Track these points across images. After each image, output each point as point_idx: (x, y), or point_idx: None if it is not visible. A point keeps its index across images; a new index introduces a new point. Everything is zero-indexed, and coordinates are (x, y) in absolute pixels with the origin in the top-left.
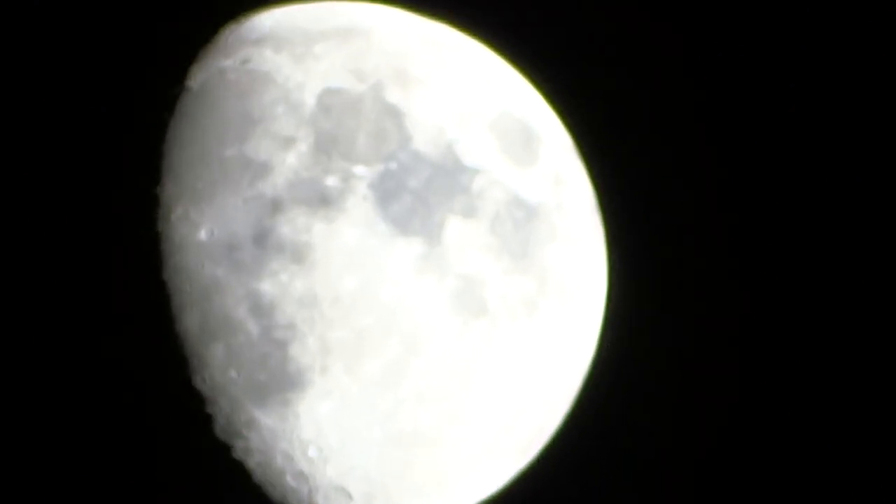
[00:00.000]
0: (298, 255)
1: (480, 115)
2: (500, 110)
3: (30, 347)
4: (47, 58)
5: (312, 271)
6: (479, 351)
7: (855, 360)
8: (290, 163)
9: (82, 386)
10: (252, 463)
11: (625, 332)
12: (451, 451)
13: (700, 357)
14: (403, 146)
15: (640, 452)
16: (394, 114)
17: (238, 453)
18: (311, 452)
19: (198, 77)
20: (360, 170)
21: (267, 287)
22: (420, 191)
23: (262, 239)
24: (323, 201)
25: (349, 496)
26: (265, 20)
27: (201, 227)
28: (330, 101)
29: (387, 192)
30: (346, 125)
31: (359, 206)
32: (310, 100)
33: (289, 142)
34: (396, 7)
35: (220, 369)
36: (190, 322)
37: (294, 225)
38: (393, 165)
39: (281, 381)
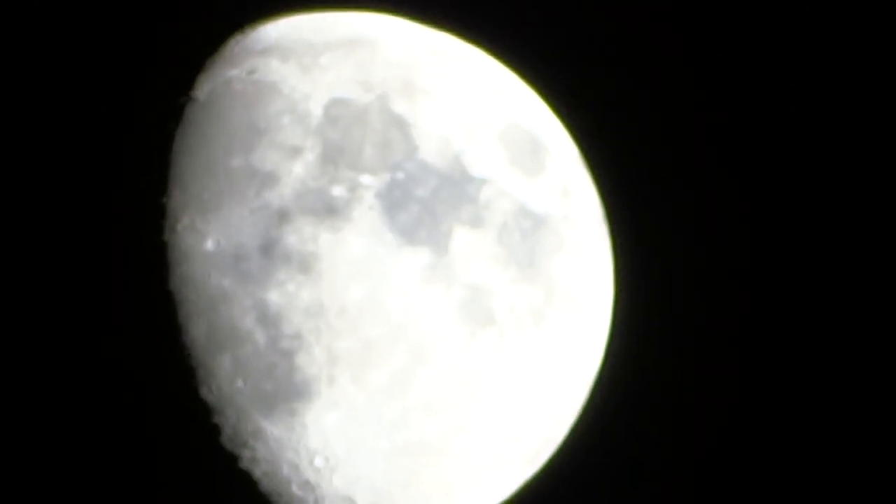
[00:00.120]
0: (305, 264)
1: (488, 125)
2: (507, 121)
3: (36, 358)
4: (54, 67)
5: (319, 281)
6: (485, 361)
7: (863, 368)
8: (296, 173)
9: (88, 395)
10: (259, 473)
11: (631, 343)
12: (457, 460)
13: (706, 367)
14: (410, 156)
15: (647, 462)
16: (400, 124)
17: (245, 463)
18: (318, 462)
19: (204, 87)
20: (366, 179)
21: (274, 297)
22: (427, 200)
23: (269, 249)
24: (329, 211)
25: None
26: (271, 31)
27: (208, 237)
28: (336, 111)
29: (393, 202)
30: (353, 135)
31: (365, 216)
32: (316, 110)
33: (295, 152)
34: (403, 17)
35: (226, 379)
36: (197, 332)
37: (301, 235)
38: (400, 175)
39: (287, 391)
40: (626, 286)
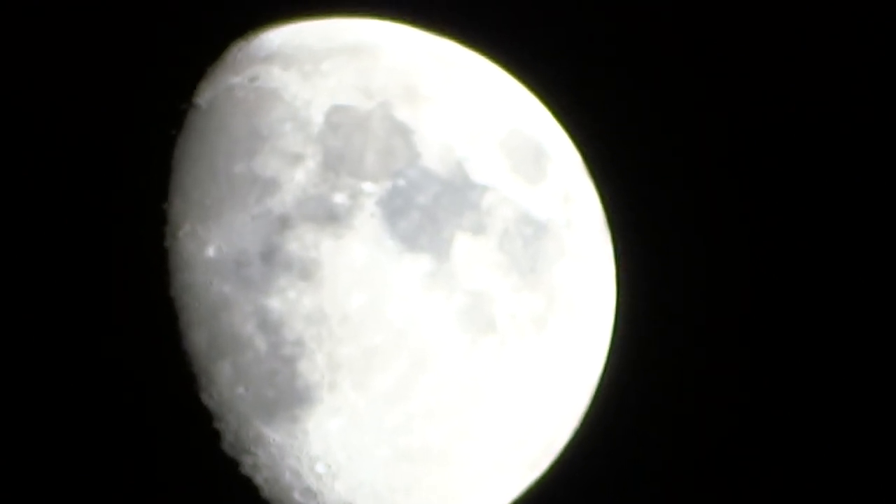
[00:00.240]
0: (306, 271)
1: (490, 132)
2: (509, 128)
3: (38, 364)
4: (57, 73)
5: (320, 288)
6: (487, 368)
7: (868, 370)
8: (298, 180)
9: (90, 401)
10: (260, 479)
11: (633, 349)
12: (459, 467)
13: (709, 373)
14: (412, 163)
15: (649, 468)
16: (402, 131)
17: (246, 469)
18: (320, 469)
19: (206, 94)
20: (368, 187)
21: (275, 304)
22: (428, 207)
23: (270, 256)
24: (331, 218)
25: None
26: (273, 38)
27: (209, 243)
28: (338, 118)
29: (395, 209)
30: (355, 142)
31: (367, 223)
32: (318, 117)
33: (297, 159)
34: (405, 24)
35: (228, 386)
36: (198, 339)
37: (302, 242)
38: (401, 182)
39: (289, 398)
40: (627, 293)
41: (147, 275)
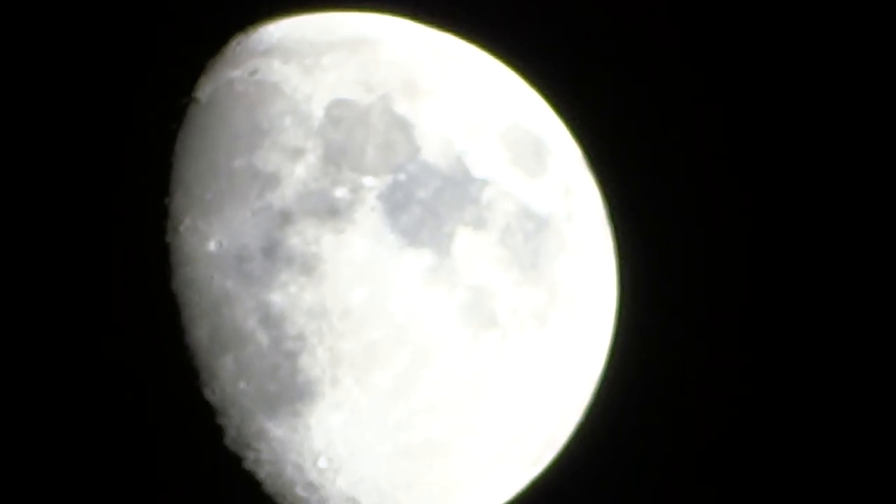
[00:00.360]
0: (308, 266)
1: (490, 126)
2: (509, 121)
3: (38, 360)
4: (56, 68)
5: (322, 283)
6: (489, 362)
7: (873, 369)
8: (298, 174)
9: (91, 397)
10: (262, 474)
11: (635, 343)
12: (461, 462)
13: (711, 367)
14: (412, 157)
15: (651, 463)
16: (402, 125)
17: (248, 464)
18: (322, 463)
19: (206, 88)
20: (369, 181)
21: (276, 298)
22: (429, 202)
23: (272, 250)
24: (332, 213)
25: None
26: (273, 31)
27: (210, 238)
28: (338, 112)
29: (396, 204)
30: (355, 136)
31: (368, 218)
32: (318, 111)
33: (297, 153)
34: (405, 18)
35: (230, 381)
36: (200, 334)
37: (303, 236)
38: (402, 177)
39: (291, 393)
40: (629, 287)
41: (148, 270)
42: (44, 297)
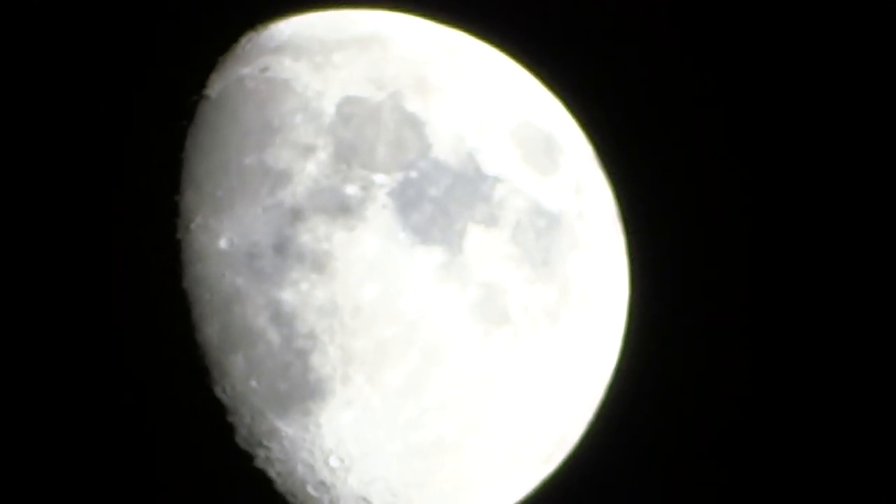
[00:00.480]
0: (319, 264)
1: (501, 123)
2: (520, 119)
3: (49, 358)
4: (66, 66)
5: (333, 280)
6: (500, 360)
7: (886, 369)
8: (309, 171)
9: (101, 394)
10: (273, 472)
11: (647, 341)
12: (473, 461)
13: (722, 365)
14: (423, 155)
15: (663, 461)
16: (413, 122)
17: (259, 463)
18: (333, 462)
19: (217, 85)
20: (380, 178)
21: (287, 296)
22: (441, 199)
23: (283, 248)
24: (343, 210)
25: None
26: (284, 28)
27: (221, 235)
28: (349, 109)
29: (407, 201)
30: (366, 134)
31: (379, 215)
32: (329, 108)
33: (308, 150)
34: (415, 15)
35: (241, 379)
36: (210, 331)
37: (314, 234)
38: (413, 174)
39: (302, 391)
40: (640, 284)
41: (159, 267)
42: (54, 295)
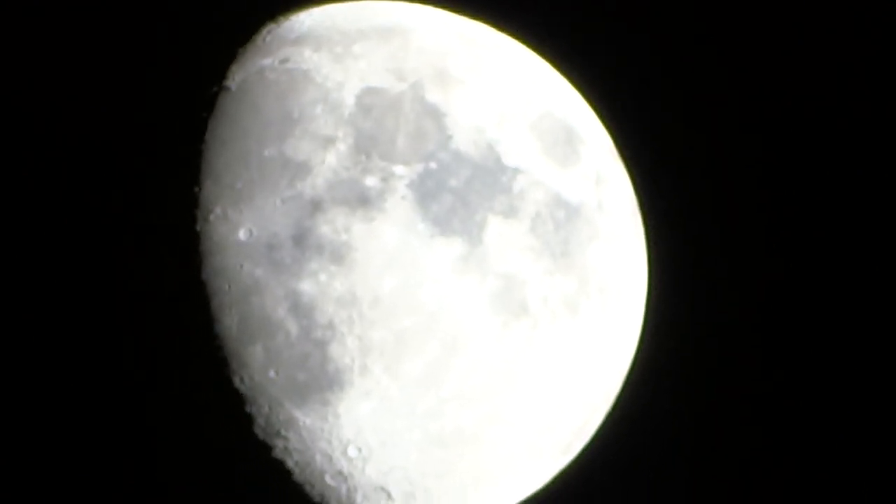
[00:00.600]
0: (338, 255)
1: (521, 115)
2: (541, 110)
3: (69, 349)
4: (88, 58)
5: (352, 271)
6: (519, 351)
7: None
8: (329, 163)
9: (121, 385)
10: (291, 462)
11: (665, 332)
12: (491, 451)
13: (741, 356)
14: (443, 146)
15: (681, 452)
16: (434, 113)
17: (278, 453)
18: (351, 452)
19: (237, 77)
20: (399, 170)
21: (306, 287)
22: (460, 191)
23: (302, 239)
24: (362, 201)
25: (389, 496)
26: (304, 20)
27: (240, 227)
28: (369, 100)
29: (427, 192)
30: (386, 125)
31: (398, 207)
32: (349, 99)
33: (328, 141)
34: (436, 6)
35: (259, 369)
36: (229, 322)
37: (333, 225)
38: (433, 165)
39: (320, 381)
40: (659, 275)
41: (178, 259)
42: (74, 286)
